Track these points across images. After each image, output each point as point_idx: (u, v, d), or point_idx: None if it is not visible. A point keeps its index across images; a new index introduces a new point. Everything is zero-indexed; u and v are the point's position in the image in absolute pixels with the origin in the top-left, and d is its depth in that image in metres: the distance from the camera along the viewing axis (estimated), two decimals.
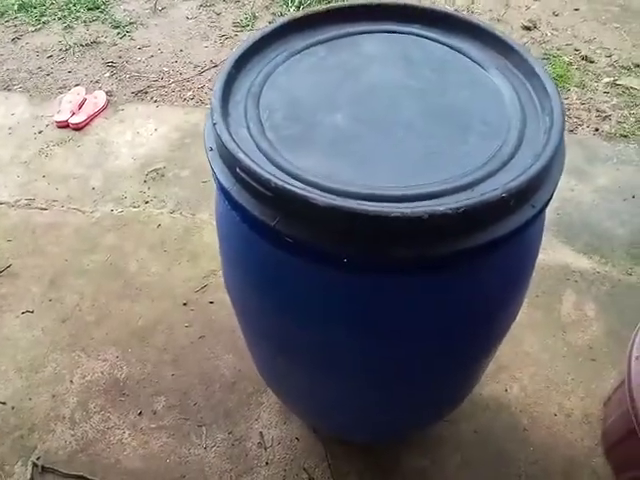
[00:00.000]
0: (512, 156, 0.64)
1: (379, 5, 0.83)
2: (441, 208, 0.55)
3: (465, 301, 0.70)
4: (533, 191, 0.62)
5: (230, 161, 0.63)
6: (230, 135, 0.63)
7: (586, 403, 1.29)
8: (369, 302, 0.67)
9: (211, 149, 0.68)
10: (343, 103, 0.72)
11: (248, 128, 0.67)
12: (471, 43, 0.79)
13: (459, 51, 0.78)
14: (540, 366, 1.36)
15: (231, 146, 0.61)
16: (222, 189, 0.65)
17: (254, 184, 0.59)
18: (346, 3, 0.84)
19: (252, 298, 0.78)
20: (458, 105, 0.71)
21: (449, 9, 0.78)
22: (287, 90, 0.73)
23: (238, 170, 0.61)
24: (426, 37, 0.80)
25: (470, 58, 0.77)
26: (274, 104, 0.72)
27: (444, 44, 0.79)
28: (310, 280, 0.67)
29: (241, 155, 0.60)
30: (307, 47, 0.79)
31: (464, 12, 2.55)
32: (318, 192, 0.57)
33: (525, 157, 0.64)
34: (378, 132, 0.68)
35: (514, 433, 1.26)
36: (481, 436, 1.26)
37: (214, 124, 0.64)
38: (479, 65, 0.76)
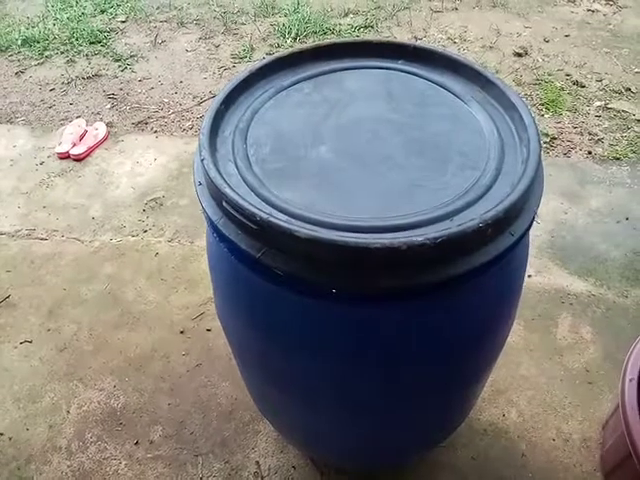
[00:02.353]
0: (490, 186, 0.66)
1: (363, 43, 0.86)
2: (419, 239, 0.56)
3: (451, 328, 0.71)
4: (511, 220, 0.63)
5: (217, 195, 0.65)
6: (217, 170, 0.65)
7: (584, 427, 1.29)
8: (355, 332, 0.68)
9: (200, 183, 0.70)
10: (327, 137, 0.74)
11: (235, 163, 0.70)
12: (452, 77, 0.82)
13: (440, 85, 0.81)
14: (537, 390, 1.35)
15: (218, 181, 0.63)
16: (210, 222, 0.67)
17: (240, 217, 0.61)
18: (332, 41, 0.87)
19: (242, 328, 0.79)
20: (438, 138, 0.73)
21: (433, 44, 0.81)
22: (274, 125, 0.76)
23: (224, 204, 0.63)
24: (408, 72, 0.83)
25: (451, 92, 0.80)
26: (261, 139, 0.74)
27: (426, 79, 0.82)
28: (296, 311, 0.68)
29: (227, 190, 0.62)
30: (293, 83, 0.82)
31: (457, 41, 2.62)
32: (300, 224, 0.59)
33: (503, 187, 0.66)
34: (361, 165, 0.70)
35: (512, 459, 1.25)
36: (479, 462, 1.25)
37: (202, 160, 0.66)
38: (459, 99, 0.79)
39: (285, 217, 0.61)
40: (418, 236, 0.57)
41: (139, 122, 2.23)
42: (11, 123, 2.27)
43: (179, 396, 1.38)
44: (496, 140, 0.72)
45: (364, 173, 0.69)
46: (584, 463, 1.23)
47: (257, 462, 1.26)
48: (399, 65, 0.85)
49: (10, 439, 1.32)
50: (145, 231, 1.79)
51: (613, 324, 1.47)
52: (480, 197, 0.64)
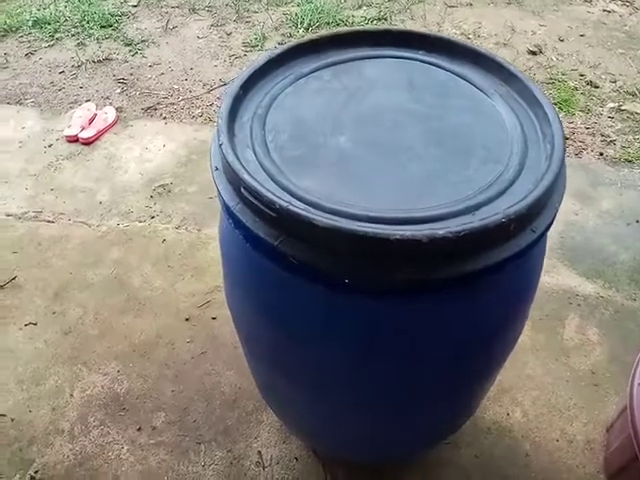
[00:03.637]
0: (513, 181, 0.65)
1: (384, 31, 0.85)
2: (441, 232, 0.55)
3: (466, 324, 0.70)
4: (533, 216, 0.62)
5: (235, 181, 0.64)
6: (236, 156, 0.64)
7: (588, 429, 1.28)
8: (369, 323, 0.67)
9: (217, 169, 0.69)
10: (347, 126, 0.73)
11: (253, 149, 0.69)
12: (474, 70, 0.81)
13: (462, 77, 0.80)
14: (542, 390, 1.35)
15: (236, 167, 0.62)
16: (226, 208, 0.66)
17: (258, 204, 0.60)
18: (351, 29, 0.86)
19: (252, 316, 0.79)
20: (460, 130, 0.72)
21: (453, 36, 0.80)
22: (292, 112, 0.75)
23: (242, 190, 0.62)
24: (430, 63, 0.82)
25: (473, 84, 0.79)
26: (279, 126, 0.73)
27: (448, 70, 0.81)
28: (312, 300, 0.67)
29: (246, 176, 0.61)
30: (313, 71, 0.80)
31: (470, 36, 2.59)
32: (320, 213, 0.58)
33: (526, 183, 0.65)
34: (381, 155, 0.69)
35: (516, 458, 1.24)
36: (482, 460, 1.24)
37: (220, 145, 0.65)
38: (482, 91, 0.78)
39: (304, 205, 0.60)
40: (440, 229, 0.56)
41: (149, 108, 2.22)
42: (20, 104, 2.26)
43: (183, 383, 1.38)
44: (519, 134, 0.71)
45: (384, 163, 0.68)
46: (587, 465, 1.23)
47: (259, 452, 1.26)
48: (420, 55, 0.83)
49: (12, 420, 1.32)
50: (152, 217, 1.79)
51: (621, 326, 1.47)
52: (503, 192, 0.63)
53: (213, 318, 1.51)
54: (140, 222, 1.77)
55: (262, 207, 0.60)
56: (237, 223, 0.65)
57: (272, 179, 0.65)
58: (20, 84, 2.36)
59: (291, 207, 0.58)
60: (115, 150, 2.03)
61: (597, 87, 2.30)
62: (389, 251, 0.57)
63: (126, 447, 1.28)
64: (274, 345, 0.80)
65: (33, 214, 1.80)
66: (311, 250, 0.59)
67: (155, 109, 2.21)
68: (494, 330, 0.75)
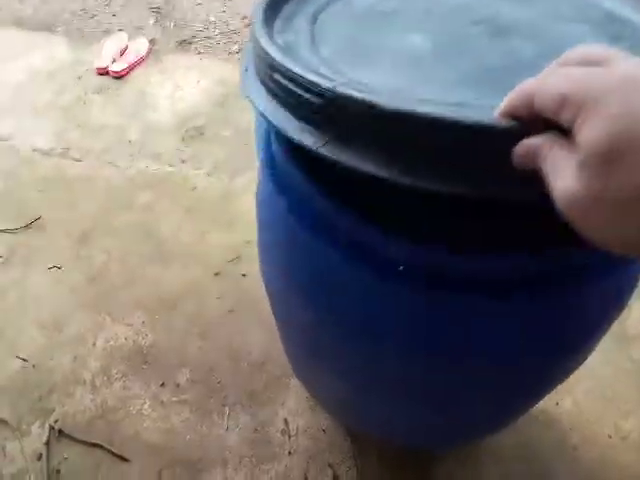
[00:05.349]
0: None
1: None
2: None
3: (567, 323, 0.52)
4: None
5: (268, 69, 0.46)
6: (271, 40, 0.47)
7: None
8: (434, 321, 0.49)
9: (246, 70, 0.52)
10: (426, 23, 0.53)
11: (296, 39, 0.50)
12: None
13: None
14: (598, 380, 1.16)
15: (270, 49, 0.44)
16: (261, 114, 0.48)
17: (295, 89, 0.42)
18: None
19: (286, 292, 0.62)
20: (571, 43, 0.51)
21: None
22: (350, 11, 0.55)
23: (277, 76, 0.44)
24: None
25: None
26: (332, 17, 0.54)
27: None
28: (362, 282, 0.50)
29: (281, 57, 0.43)
30: None
31: None
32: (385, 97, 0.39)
33: None
34: (463, 53, 0.49)
35: (562, 451, 1.08)
36: (526, 450, 1.08)
37: (251, 24, 0.47)
38: None
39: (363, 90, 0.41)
40: None
41: (183, 41, 2.05)
42: (50, 32, 2.13)
43: (210, 341, 1.27)
44: None
45: (469, 62, 0.48)
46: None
47: (285, 420, 1.14)
48: None
49: (34, 367, 1.24)
50: (183, 161, 1.65)
51: None
52: None
53: (243, 275, 1.37)
54: (170, 166, 1.64)
55: (302, 92, 0.41)
56: (271, 129, 0.47)
57: (317, 71, 0.45)
58: (51, 10, 2.22)
59: (341, 88, 0.39)
60: (146, 85, 1.88)
61: None
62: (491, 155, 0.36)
63: (148, 402, 1.18)
64: (312, 331, 0.63)
65: (61, 151, 1.69)
66: (367, 154, 0.40)
67: (190, 43, 2.05)
68: (584, 336, 0.55)
